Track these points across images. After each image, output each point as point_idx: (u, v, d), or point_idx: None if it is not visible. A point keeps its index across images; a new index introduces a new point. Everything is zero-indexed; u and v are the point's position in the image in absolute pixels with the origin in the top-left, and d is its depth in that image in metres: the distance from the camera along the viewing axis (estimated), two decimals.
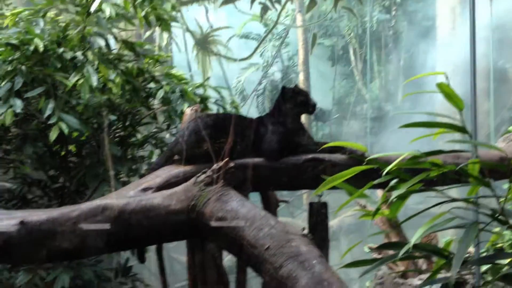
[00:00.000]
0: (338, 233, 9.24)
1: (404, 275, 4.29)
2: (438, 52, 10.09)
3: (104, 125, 4.35)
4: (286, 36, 12.04)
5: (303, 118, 10.02)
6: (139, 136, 4.64)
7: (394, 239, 4.18)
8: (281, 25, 11.81)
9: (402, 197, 1.58)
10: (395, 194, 1.54)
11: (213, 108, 4.84)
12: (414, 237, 1.53)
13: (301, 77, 10.48)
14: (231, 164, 2.74)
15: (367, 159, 1.71)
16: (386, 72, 12.04)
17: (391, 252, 4.78)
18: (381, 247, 1.69)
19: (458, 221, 1.52)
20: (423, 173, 1.52)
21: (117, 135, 4.47)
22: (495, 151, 3.14)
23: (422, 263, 4.51)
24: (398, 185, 1.53)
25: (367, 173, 1.62)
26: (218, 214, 2.57)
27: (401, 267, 4.30)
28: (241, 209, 2.57)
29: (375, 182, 1.61)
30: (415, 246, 1.60)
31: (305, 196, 9.82)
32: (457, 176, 1.52)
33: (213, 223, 2.57)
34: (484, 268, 3.93)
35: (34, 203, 4.05)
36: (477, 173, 1.52)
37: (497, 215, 1.50)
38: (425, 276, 4.02)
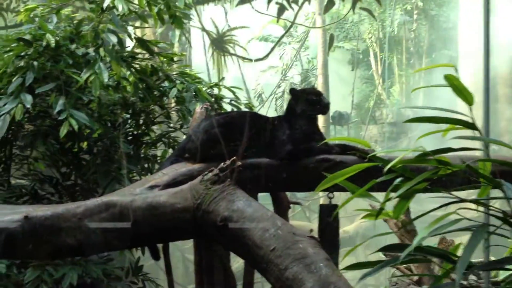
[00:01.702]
0: (355, 238, 9.12)
1: (419, 281, 4.18)
2: (460, 56, 9.92)
3: (117, 123, 4.34)
4: (306, 39, 11.98)
5: (321, 122, 9.91)
6: (152, 135, 4.62)
7: (408, 243, 4.07)
8: (300, 27, 11.77)
9: (407, 197, 1.51)
10: (397, 193, 1.47)
11: (228, 108, 4.80)
12: (416, 239, 1.45)
13: (320, 80, 10.38)
14: (238, 163, 2.68)
15: (369, 156, 1.64)
16: (407, 76, 11.88)
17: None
18: (383, 249, 1.62)
19: (467, 224, 1.44)
20: (428, 171, 1.44)
21: (130, 133, 4.45)
22: None
23: (438, 269, 4.40)
24: (402, 184, 1.45)
25: (372, 172, 1.55)
26: (224, 214, 2.51)
27: (416, 272, 4.19)
28: (248, 209, 2.51)
29: (378, 180, 1.54)
30: (419, 249, 1.52)
31: (321, 200, 9.72)
32: (467, 176, 1.44)
33: (219, 223, 2.50)
34: (502, 276, 3.82)
35: (45, 200, 4.04)
36: (488, 173, 1.43)
37: (508, 217, 1.42)
38: None
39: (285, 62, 12.68)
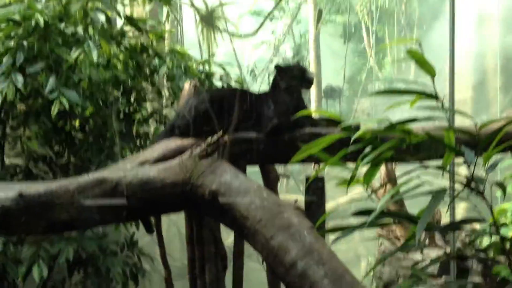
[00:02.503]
0: (348, 209, 9.24)
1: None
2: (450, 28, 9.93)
3: (109, 101, 4.40)
4: (298, 13, 11.94)
5: (314, 96, 9.91)
6: (144, 112, 4.68)
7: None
8: (292, 1, 11.74)
9: (375, 164, 1.58)
10: (365, 160, 1.55)
11: (218, 85, 4.86)
12: (380, 203, 1.54)
13: (311, 54, 10.39)
14: (226, 138, 2.76)
15: (341, 126, 1.72)
16: (398, 48, 11.90)
17: (394, 228, 4.77)
18: (354, 214, 1.70)
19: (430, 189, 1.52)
20: (393, 139, 1.52)
21: (121, 111, 4.50)
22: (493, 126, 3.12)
23: (425, 238, 4.52)
24: (370, 153, 1.53)
25: (347, 142, 1.62)
26: (212, 187, 2.60)
27: (403, 240, 4.31)
28: (235, 181, 2.59)
29: (349, 149, 1.62)
30: (386, 214, 1.61)
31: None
32: (432, 145, 1.52)
33: (207, 195, 2.59)
34: (486, 243, 3.94)
35: (39, 178, 4.11)
36: (452, 142, 1.51)
37: (469, 182, 1.50)
38: (426, 251, 4.03)
39: (277, 37, 12.65)
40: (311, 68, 10.14)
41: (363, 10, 12.15)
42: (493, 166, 1.55)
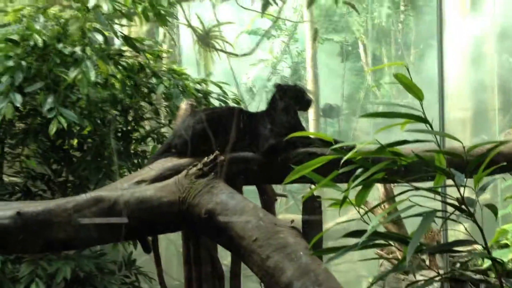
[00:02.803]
0: (348, 229, 9.16)
1: (406, 271, 4.29)
2: (447, 46, 10.01)
3: (107, 120, 4.43)
4: (294, 32, 12.03)
5: (312, 115, 9.95)
6: (141, 131, 4.71)
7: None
8: (288, 21, 11.83)
9: (367, 186, 1.61)
10: (356, 182, 1.57)
11: (216, 103, 4.89)
12: (370, 225, 1.56)
13: (309, 73, 10.45)
14: (222, 157, 2.77)
15: (331, 148, 1.74)
16: (397, 68, 11.96)
17: (394, 249, 4.77)
18: (346, 235, 1.71)
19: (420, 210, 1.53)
20: (385, 162, 1.54)
21: (119, 130, 4.53)
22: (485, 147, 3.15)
23: (426, 259, 4.52)
24: (361, 174, 1.55)
25: (339, 164, 1.64)
26: (208, 206, 2.61)
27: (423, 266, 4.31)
28: (231, 201, 2.60)
29: (340, 171, 1.64)
30: (379, 234, 1.62)
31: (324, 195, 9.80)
32: (423, 167, 1.54)
33: (203, 215, 2.60)
34: (486, 264, 3.93)
35: (37, 197, 4.12)
36: (444, 164, 1.53)
37: (460, 204, 1.52)
38: (426, 272, 4.02)
39: (275, 55, 12.73)
40: (309, 87, 10.19)
41: (360, 29, 12.25)
42: (483, 188, 1.57)
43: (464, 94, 9.38)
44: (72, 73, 3.74)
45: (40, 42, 3.70)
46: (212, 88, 5.01)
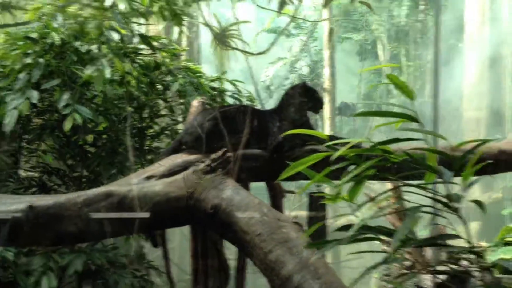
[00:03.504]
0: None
1: (411, 267, 4.30)
2: (466, 46, 9.97)
3: (122, 116, 4.52)
4: (314, 31, 12.05)
5: (327, 113, 9.92)
6: (156, 127, 4.79)
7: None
8: (310, 18, 11.86)
9: (359, 182, 1.65)
10: (347, 178, 1.61)
11: (230, 101, 4.96)
12: (360, 219, 1.60)
13: (326, 72, 10.47)
14: (229, 154, 2.83)
15: (325, 145, 1.79)
16: (415, 67, 11.92)
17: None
18: (337, 230, 1.76)
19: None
20: (373, 159, 1.58)
21: (134, 126, 4.62)
22: (494, 145, 3.17)
23: (431, 257, 4.52)
24: (354, 171, 1.60)
25: (336, 160, 1.69)
26: (214, 201, 2.67)
27: (409, 261, 4.32)
28: (236, 196, 2.67)
29: (333, 167, 1.69)
30: (368, 228, 1.67)
31: (327, 191, 9.81)
32: (413, 165, 1.58)
33: (209, 210, 2.66)
34: (489, 262, 3.93)
35: (52, 191, 4.23)
36: (434, 162, 1.57)
37: (448, 200, 1.55)
38: (431, 269, 4.03)
39: (293, 54, 12.76)
40: (326, 85, 10.21)
41: (379, 28, 12.22)
42: (471, 184, 1.61)
43: (481, 94, 9.34)
44: (88, 71, 3.82)
45: (57, 40, 3.79)
46: (228, 86, 5.07)
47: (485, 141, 1.63)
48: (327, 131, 9.61)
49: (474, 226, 7.52)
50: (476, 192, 8.06)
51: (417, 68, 11.79)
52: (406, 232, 1.51)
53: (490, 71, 9.08)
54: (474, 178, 1.60)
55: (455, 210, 1.56)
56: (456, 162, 1.58)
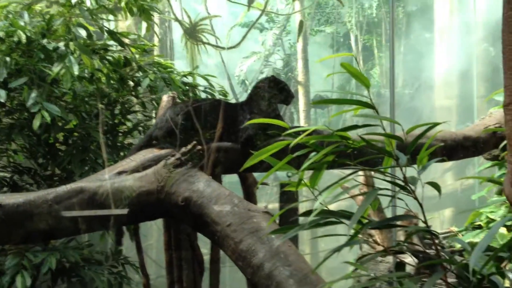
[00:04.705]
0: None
1: (384, 250, 4.37)
2: (435, 37, 10.12)
3: (93, 113, 4.50)
4: (287, 24, 12.08)
5: (302, 105, 9.96)
6: (128, 124, 4.77)
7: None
8: (282, 12, 11.89)
9: (319, 169, 1.68)
10: (306, 164, 1.65)
11: (203, 96, 4.96)
12: (316, 204, 1.64)
13: (299, 65, 10.52)
14: (199, 147, 2.85)
15: (284, 133, 1.82)
16: (386, 58, 12.04)
17: (373, 232, 4.86)
18: (301, 215, 1.79)
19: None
20: (331, 145, 1.62)
21: (106, 123, 4.59)
22: (459, 131, 3.24)
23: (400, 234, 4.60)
24: (314, 157, 1.63)
25: (298, 148, 1.72)
26: (185, 194, 2.69)
27: (381, 245, 4.39)
28: (207, 189, 2.69)
29: (294, 155, 1.72)
30: (329, 213, 1.70)
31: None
32: (370, 150, 1.62)
33: (180, 203, 2.68)
34: (458, 246, 4.03)
35: (24, 190, 4.19)
36: (392, 147, 1.61)
37: (404, 183, 1.60)
38: (402, 255, 4.10)
39: (267, 48, 12.77)
40: (300, 78, 10.26)
41: (351, 20, 12.30)
42: (425, 168, 1.65)
43: (451, 83, 9.50)
44: (56, 68, 3.79)
45: (24, 38, 3.75)
46: (201, 81, 5.07)
47: (434, 125, 1.68)
48: (302, 123, 9.66)
49: (447, 212, 7.65)
50: (449, 179, 8.21)
51: (388, 59, 11.89)
52: (362, 214, 1.55)
53: (459, 61, 9.23)
54: (429, 162, 1.64)
55: (411, 192, 1.60)
56: (409, 147, 1.63)
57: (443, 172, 8.32)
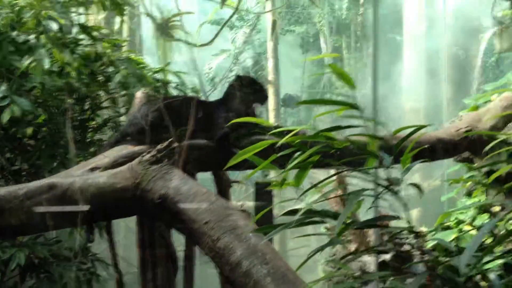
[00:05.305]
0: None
1: (356, 251, 4.43)
2: (404, 39, 10.29)
3: (62, 108, 4.41)
4: (257, 23, 12.09)
5: (272, 105, 9.99)
6: (98, 119, 4.70)
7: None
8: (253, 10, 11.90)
9: (304, 168, 1.69)
10: (292, 164, 1.65)
11: (174, 93, 4.92)
12: (303, 204, 1.65)
13: (270, 64, 10.54)
14: (175, 144, 2.83)
15: (270, 133, 1.83)
16: (356, 59, 12.18)
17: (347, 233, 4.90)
18: (284, 214, 1.80)
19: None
20: (317, 145, 1.63)
21: (76, 118, 4.51)
22: (432, 133, 3.30)
23: (375, 241, 4.66)
24: (299, 157, 1.64)
25: (282, 148, 1.72)
26: (161, 191, 2.66)
27: (354, 244, 4.45)
28: (183, 186, 2.67)
29: (279, 154, 1.73)
30: (313, 212, 1.71)
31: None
32: (355, 151, 1.64)
33: (156, 200, 2.65)
34: (430, 244, 4.11)
35: None
36: (375, 148, 1.63)
37: (389, 184, 1.62)
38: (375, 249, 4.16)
39: (237, 46, 12.76)
40: (269, 77, 10.29)
41: (321, 21, 12.40)
42: (408, 169, 1.68)
43: (419, 86, 9.67)
44: (26, 61, 3.71)
45: None
46: (172, 77, 5.03)
47: (420, 127, 1.71)
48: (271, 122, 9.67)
49: (415, 212, 7.78)
50: (416, 179, 8.34)
51: (357, 61, 12.04)
52: (346, 215, 1.56)
53: (427, 64, 9.41)
54: (413, 163, 1.67)
55: (394, 193, 1.62)
56: (395, 148, 1.65)
57: (411, 174, 8.44)
